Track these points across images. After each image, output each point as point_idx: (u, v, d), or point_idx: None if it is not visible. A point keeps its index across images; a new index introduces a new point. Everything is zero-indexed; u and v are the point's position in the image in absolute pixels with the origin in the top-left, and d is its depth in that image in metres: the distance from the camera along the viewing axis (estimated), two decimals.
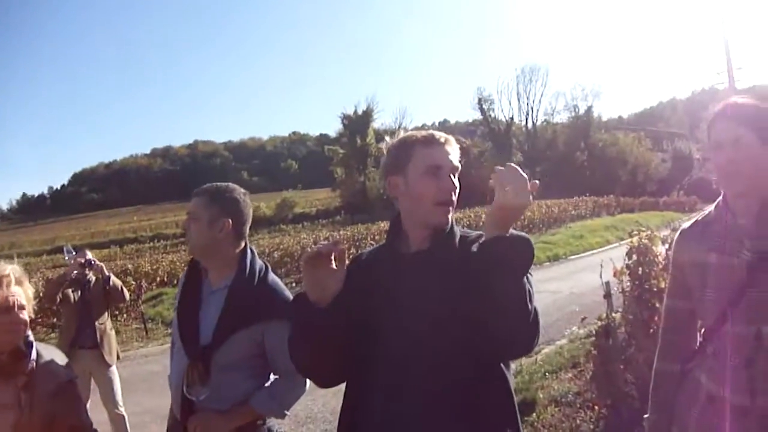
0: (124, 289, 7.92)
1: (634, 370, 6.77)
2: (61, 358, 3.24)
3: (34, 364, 3.01)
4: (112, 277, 7.72)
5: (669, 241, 8.63)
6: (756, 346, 2.49)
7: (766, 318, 2.47)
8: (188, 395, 3.31)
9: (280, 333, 3.24)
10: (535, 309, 2.24)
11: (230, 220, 3.40)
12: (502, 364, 2.50)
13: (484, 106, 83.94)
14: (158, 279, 26.15)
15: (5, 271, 2.95)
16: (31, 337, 3.07)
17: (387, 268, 2.60)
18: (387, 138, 2.72)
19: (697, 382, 2.73)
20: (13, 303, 2.92)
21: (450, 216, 2.55)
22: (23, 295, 2.99)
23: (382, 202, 76.40)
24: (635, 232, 7.77)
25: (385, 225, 34.76)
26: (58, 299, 7.46)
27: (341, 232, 33.23)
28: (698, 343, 2.82)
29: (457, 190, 2.55)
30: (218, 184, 3.52)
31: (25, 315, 2.97)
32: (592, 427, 6.45)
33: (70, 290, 7.47)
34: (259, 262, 3.52)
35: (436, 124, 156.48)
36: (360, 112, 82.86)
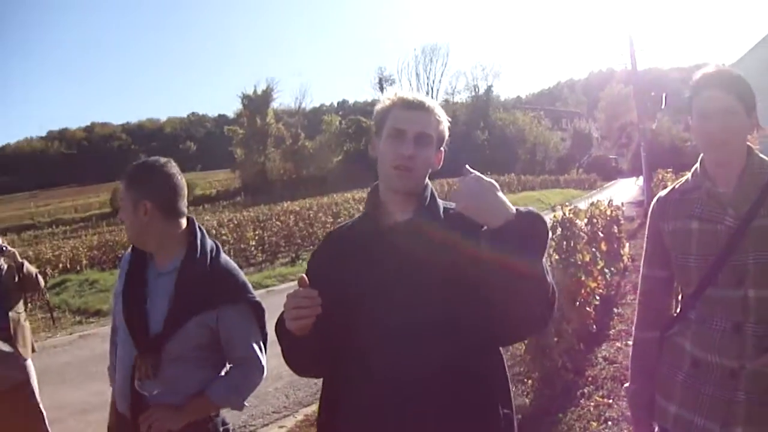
0: (39, 277, 7.42)
1: (564, 341, 6.85)
2: None
3: None
4: (26, 264, 7.31)
5: (588, 215, 8.85)
6: (743, 310, 2.50)
7: (751, 282, 2.50)
8: (140, 390, 3.06)
9: (236, 319, 3.13)
10: (552, 285, 2.16)
11: (148, 203, 3.12)
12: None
13: (384, 86, 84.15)
14: (60, 266, 25.41)
15: None
16: None
17: (367, 241, 2.47)
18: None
19: (680, 348, 2.73)
20: None
21: (410, 181, 2.42)
22: None
23: (282, 183, 76.13)
24: (558, 207, 7.88)
25: (288, 205, 34.60)
26: None
27: (245, 213, 32.82)
28: (678, 310, 2.82)
29: (422, 157, 2.41)
30: (138, 163, 3.25)
31: None
32: (527, 400, 6.49)
33: None
34: (210, 242, 3.27)
35: (335, 104, 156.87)
36: (259, 92, 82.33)
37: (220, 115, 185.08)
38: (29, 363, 7.11)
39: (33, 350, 7.36)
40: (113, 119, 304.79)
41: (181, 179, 3.25)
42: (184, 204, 3.25)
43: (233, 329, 3.13)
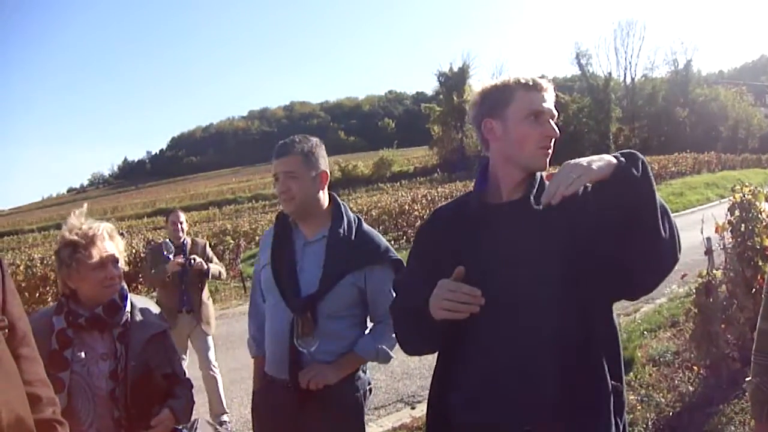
0: (222, 272, 8.15)
1: (734, 330, 6.58)
2: (154, 309, 3.35)
3: (129, 315, 3.13)
4: (212, 268, 7.84)
5: None
6: None
7: None
8: (299, 347, 3.35)
9: (381, 277, 3.42)
10: (672, 224, 2.21)
11: (327, 172, 3.51)
12: (613, 315, 2.48)
13: (581, 61, 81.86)
14: (257, 238, 26.53)
15: (98, 229, 3.04)
16: (126, 290, 3.16)
17: (479, 221, 2.52)
18: (477, 82, 2.64)
19: None
20: (108, 258, 3.02)
21: (548, 160, 2.51)
22: (116, 249, 3.09)
23: (479, 160, 75.87)
24: (738, 188, 7.51)
25: None
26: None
27: (439, 190, 33.08)
28: None
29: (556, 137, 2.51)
30: (297, 139, 3.51)
31: (119, 268, 3.08)
32: (690, 388, 6.28)
33: None
34: (351, 214, 3.59)
35: None
36: (456, 69, 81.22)
37: (417, 93, 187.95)
38: (210, 339, 7.70)
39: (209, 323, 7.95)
40: (312, 98, 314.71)
41: None
42: None
43: (378, 287, 3.43)
